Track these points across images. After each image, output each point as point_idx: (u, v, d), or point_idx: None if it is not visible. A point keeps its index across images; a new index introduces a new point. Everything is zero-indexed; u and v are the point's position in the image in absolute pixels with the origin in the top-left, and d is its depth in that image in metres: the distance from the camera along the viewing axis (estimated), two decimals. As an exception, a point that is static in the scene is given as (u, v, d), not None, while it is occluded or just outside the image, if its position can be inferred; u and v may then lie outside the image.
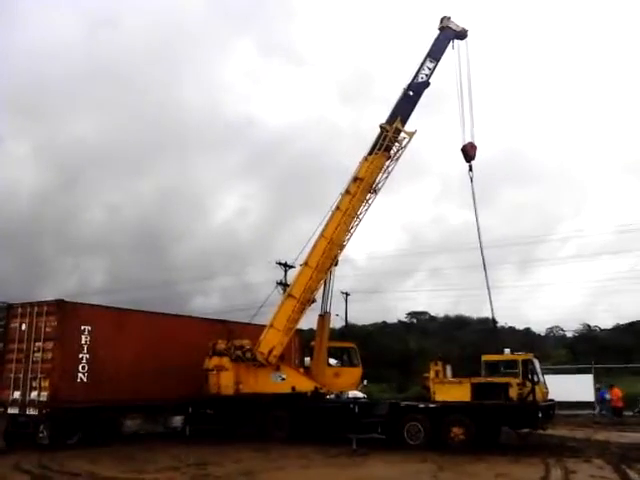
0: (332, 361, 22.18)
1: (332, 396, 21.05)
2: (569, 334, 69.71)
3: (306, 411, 19.90)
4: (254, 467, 14.40)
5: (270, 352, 20.60)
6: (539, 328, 77.90)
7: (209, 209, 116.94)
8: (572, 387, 29.75)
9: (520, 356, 18.10)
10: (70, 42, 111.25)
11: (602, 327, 65.68)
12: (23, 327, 19.02)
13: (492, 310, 21.37)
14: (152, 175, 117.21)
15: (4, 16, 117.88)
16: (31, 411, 18.12)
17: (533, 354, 18.87)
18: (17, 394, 18.51)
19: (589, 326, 66.95)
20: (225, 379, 20.91)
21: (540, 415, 16.97)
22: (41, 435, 17.84)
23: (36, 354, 18.49)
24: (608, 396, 29.14)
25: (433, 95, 22.10)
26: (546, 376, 19.17)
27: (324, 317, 21.80)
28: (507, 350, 19.17)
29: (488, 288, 20.35)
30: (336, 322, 38.42)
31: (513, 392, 17.00)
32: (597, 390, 28.50)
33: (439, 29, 22.02)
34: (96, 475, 13.49)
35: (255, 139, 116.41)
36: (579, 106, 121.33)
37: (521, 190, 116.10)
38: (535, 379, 17.23)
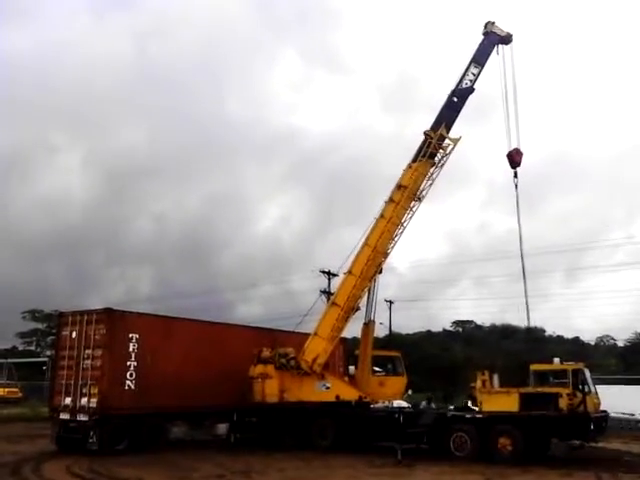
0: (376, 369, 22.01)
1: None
2: (620, 343, 67.75)
3: (350, 420, 19.77)
4: (298, 476, 14.40)
5: (314, 360, 20.61)
6: (589, 337, 75.99)
7: (253, 217, 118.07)
8: (624, 398, 29.03)
9: (570, 365, 17.65)
10: (119, 53, 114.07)
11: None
12: (73, 335, 19.47)
13: (528, 319, 21.56)
14: (198, 184, 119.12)
15: (56, 29, 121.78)
16: (81, 417, 18.52)
17: (584, 363, 18.39)
18: (68, 400, 18.95)
19: (641, 335, 64.64)
20: (270, 387, 20.95)
21: (592, 427, 16.49)
22: (91, 441, 18.21)
23: (86, 361, 18.91)
24: None
25: (479, 101, 21.92)
26: (597, 386, 18.64)
27: (368, 325, 21.71)
28: (556, 359, 18.72)
29: (526, 297, 20.44)
30: (380, 330, 38.20)
31: (563, 402, 16.57)
32: None
33: (483, 34, 21.84)
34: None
35: (299, 148, 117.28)
36: (625, 108, 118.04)
37: (569, 196, 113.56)
38: (586, 389, 16.78)
